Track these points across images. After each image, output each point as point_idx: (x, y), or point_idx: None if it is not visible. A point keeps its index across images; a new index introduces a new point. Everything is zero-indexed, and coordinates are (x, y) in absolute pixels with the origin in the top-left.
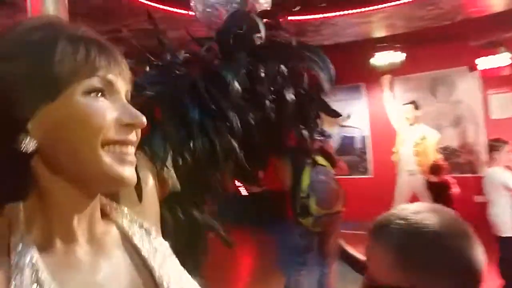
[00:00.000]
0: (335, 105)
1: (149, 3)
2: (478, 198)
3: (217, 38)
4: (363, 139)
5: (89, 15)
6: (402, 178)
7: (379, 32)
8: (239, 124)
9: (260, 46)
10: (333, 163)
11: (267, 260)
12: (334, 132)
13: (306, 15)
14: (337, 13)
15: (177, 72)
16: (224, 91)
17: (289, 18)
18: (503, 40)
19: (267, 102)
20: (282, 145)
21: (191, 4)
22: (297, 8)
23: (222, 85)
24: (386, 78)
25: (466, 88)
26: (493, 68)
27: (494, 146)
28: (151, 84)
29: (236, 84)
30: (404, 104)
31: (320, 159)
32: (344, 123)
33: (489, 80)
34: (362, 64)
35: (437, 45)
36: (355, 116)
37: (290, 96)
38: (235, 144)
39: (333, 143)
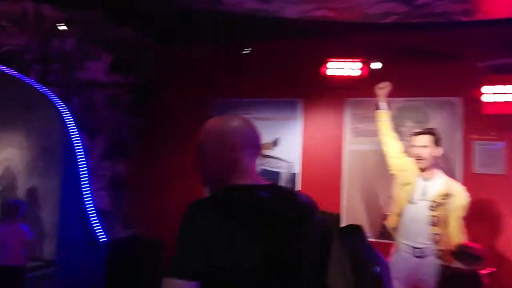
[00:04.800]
0: (261, 125)
1: None
2: None
3: None
4: (292, 177)
5: None
6: (401, 257)
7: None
8: None
9: None
10: None
11: None
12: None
13: None
14: None
15: None
16: None
17: None
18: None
19: None
20: None
21: None
22: None
23: None
24: (384, 87)
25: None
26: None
27: None
28: None
29: None
30: (416, 133)
31: None
32: (268, 152)
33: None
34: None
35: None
36: (285, 143)
37: None
38: None
39: None
